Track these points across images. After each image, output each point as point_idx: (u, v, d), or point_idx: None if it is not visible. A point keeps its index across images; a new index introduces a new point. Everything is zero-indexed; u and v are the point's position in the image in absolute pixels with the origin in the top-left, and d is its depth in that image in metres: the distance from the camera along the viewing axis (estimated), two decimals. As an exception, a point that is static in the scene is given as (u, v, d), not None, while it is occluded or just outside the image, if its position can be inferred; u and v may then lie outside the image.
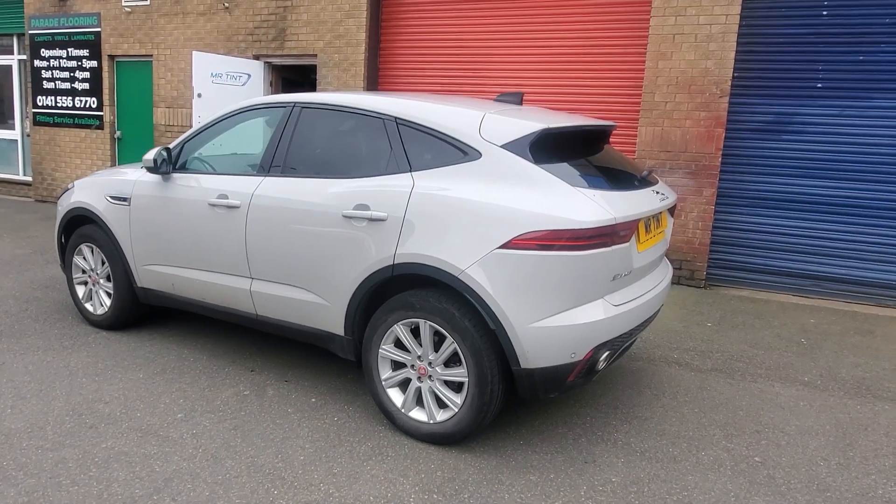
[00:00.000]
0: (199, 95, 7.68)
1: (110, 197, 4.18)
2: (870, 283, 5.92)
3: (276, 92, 8.59)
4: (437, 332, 2.97)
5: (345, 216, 3.13)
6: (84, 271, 4.52)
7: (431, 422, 3.02)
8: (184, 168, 3.96)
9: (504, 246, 2.72)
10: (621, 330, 2.94)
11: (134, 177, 4.11)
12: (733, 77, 6.06)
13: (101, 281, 4.41)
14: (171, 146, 3.94)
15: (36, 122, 10.12)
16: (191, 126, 8.62)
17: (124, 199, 4.10)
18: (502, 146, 2.91)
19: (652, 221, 3.22)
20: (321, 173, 3.33)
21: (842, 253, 6.00)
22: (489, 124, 2.99)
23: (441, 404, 3.03)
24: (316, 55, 7.87)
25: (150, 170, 3.84)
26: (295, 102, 3.56)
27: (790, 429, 3.38)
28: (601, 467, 2.93)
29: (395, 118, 3.19)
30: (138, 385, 3.60)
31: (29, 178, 10.56)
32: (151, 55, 8.96)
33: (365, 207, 3.07)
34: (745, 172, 6.24)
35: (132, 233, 4.08)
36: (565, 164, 2.94)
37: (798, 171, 6.08)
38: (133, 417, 3.22)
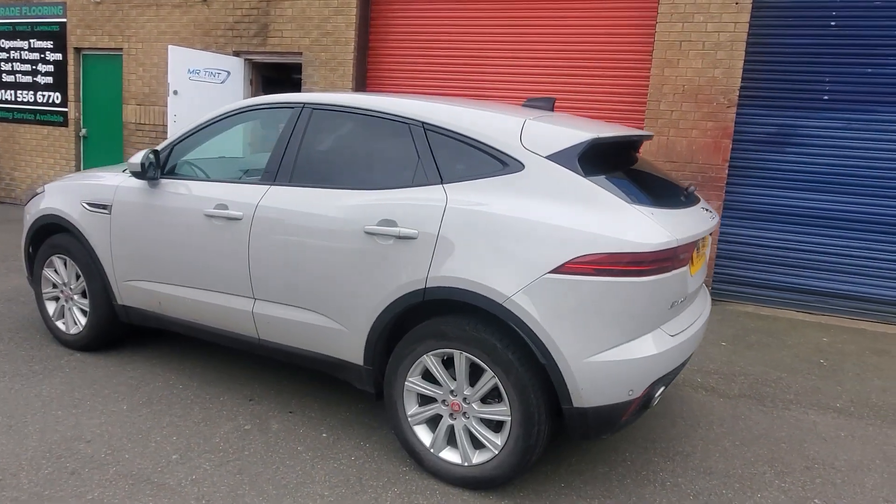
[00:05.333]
0: (175, 93, 7.20)
1: (87, 204, 3.74)
2: (876, 299, 5.81)
3: (256, 91, 8.15)
4: (472, 365, 2.65)
5: (367, 232, 2.78)
6: (55, 285, 4.05)
7: (466, 464, 2.70)
8: (173, 173, 3.55)
9: (556, 270, 2.42)
10: (677, 362, 2.67)
11: (115, 182, 3.68)
12: (740, 87, 5.90)
13: (76, 297, 3.96)
14: (158, 148, 3.53)
15: (-7, 118, 9.43)
16: (165, 125, 8.11)
17: (104, 207, 3.67)
18: (548, 157, 2.61)
19: (700, 242, 2.97)
20: (337, 183, 2.98)
21: (847, 269, 5.89)
22: (531, 132, 2.69)
23: (476, 444, 2.71)
24: (301, 53, 7.47)
25: (137, 175, 3.42)
26: (304, 103, 3.20)
27: (840, 464, 3.17)
28: (655, 514, 2.65)
29: (423, 123, 2.86)
30: (123, 419, 3.18)
31: (-17, 177, 9.84)
32: (122, 49, 8.41)
33: (391, 223, 2.74)
34: (750, 185, 6.09)
35: (113, 245, 3.65)
36: (614, 178, 2.66)
37: (803, 184, 5.95)
38: (121, 460, 2.81)
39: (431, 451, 2.78)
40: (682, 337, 2.70)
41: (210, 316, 3.37)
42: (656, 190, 2.83)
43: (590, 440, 2.77)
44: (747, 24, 5.74)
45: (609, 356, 2.43)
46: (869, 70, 5.74)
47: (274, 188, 3.11)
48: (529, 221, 2.50)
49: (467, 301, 2.56)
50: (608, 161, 2.77)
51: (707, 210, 3.03)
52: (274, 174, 3.15)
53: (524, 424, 2.53)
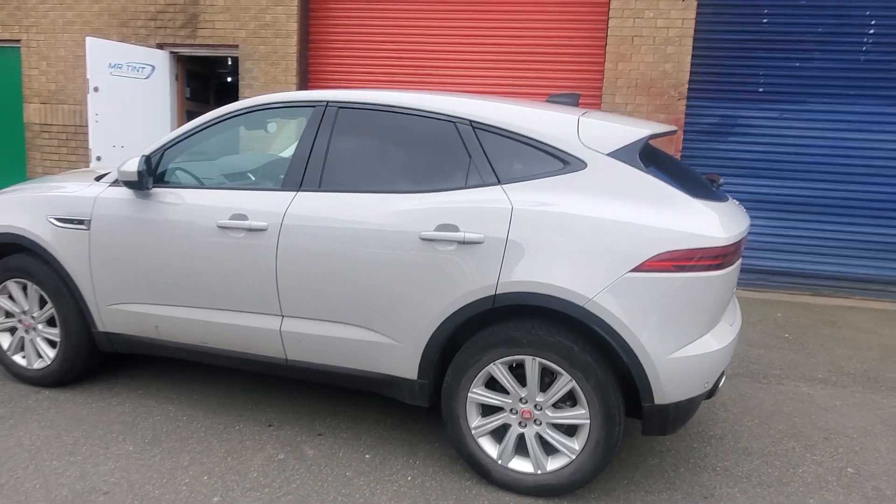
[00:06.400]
0: (96, 90, 6.50)
1: (56, 219, 3.26)
2: (813, 274, 6.34)
3: (182, 86, 7.53)
4: (544, 370, 2.58)
5: (424, 239, 2.62)
6: (10, 315, 3.51)
7: (539, 472, 2.62)
8: (163, 181, 3.18)
9: (637, 269, 2.40)
10: (734, 350, 2.75)
11: (92, 193, 3.23)
12: (689, 80, 6.20)
13: (40, 326, 3.45)
14: (148, 153, 3.14)
15: None
16: (77, 125, 7.31)
17: (80, 222, 3.22)
18: (609, 154, 2.58)
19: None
20: (378, 187, 2.78)
21: (785, 247, 6.38)
22: (587, 129, 2.64)
23: (548, 451, 2.65)
24: (237, 46, 6.98)
25: (132, 185, 3.02)
26: (328, 101, 2.96)
27: (850, 432, 3.41)
28: (725, 502, 2.71)
29: (471, 122, 2.73)
30: (136, 462, 2.81)
31: None
32: (19, 40, 7.46)
33: (452, 228, 2.59)
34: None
35: (93, 265, 3.21)
36: (666, 174, 2.67)
37: (743, 170, 6.37)
38: (155, 510, 2.48)
39: (499, 462, 2.68)
40: (737, 326, 2.78)
41: (224, 338, 3.06)
42: (701, 184, 2.88)
43: (665, 434, 2.78)
44: (693, 21, 6.04)
45: (688, 351, 2.45)
46: (797, 64, 6.22)
47: (302, 195, 2.86)
48: (604, 220, 2.45)
49: (545, 305, 2.48)
50: (652, 156, 2.79)
51: (738, 203, 3.13)
52: (299, 179, 2.89)
53: (606, 426, 2.50)
